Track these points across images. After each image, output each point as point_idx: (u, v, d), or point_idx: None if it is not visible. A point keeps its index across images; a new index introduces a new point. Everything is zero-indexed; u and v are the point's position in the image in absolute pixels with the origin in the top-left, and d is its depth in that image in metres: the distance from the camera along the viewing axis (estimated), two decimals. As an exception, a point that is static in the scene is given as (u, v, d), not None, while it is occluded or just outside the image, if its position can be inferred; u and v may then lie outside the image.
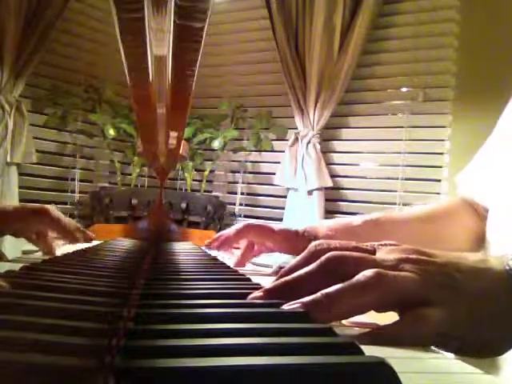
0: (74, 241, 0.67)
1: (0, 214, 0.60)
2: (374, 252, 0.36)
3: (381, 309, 0.32)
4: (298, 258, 0.37)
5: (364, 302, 0.31)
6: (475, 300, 0.31)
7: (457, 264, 0.33)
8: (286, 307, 0.31)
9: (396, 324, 0.31)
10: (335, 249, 0.36)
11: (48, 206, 0.63)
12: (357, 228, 0.63)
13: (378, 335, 0.31)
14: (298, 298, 0.32)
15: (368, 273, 0.31)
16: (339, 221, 0.66)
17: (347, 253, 0.34)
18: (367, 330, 0.33)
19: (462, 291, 0.31)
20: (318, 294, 0.31)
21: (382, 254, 0.35)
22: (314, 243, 0.37)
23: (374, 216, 0.65)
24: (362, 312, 0.32)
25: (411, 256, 0.33)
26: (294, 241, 0.64)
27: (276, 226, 0.66)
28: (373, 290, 0.31)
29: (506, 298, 0.31)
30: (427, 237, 0.66)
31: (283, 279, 0.35)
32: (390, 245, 0.37)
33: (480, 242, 0.65)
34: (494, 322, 0.32)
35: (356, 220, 0.64)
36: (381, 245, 0.37)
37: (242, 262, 0.67)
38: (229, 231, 0.68)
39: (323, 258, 0.34)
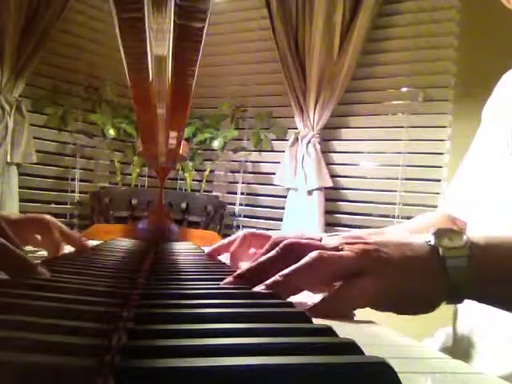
0: (79, 248, 0.66)
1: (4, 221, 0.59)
2: (320, 240, 0.45)
3: (328, 282, 0.41)
4: (263, 250, 0.46)
5: (313, 278, 0.39)
6: (401, 266, 0.39)
7: (384, 242, 0.40)
8: (255, 289, 0.39)
9: (334, 293, 0.39)
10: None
11: (47, 217, 0.63)
12: None
13: (320, 305, 0.39)
14: (265, 279, 0.40)
15: (312, 254, 0.39)
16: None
17: (299, 240, 0.43)
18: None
19: (389, 261, 0.39)
20: (277, 276, 0.39)
21: (326, 240, 0.44)
22: (273, 237, 0.47)
23: (367, 232, 0.69)
24: (315, 285, 0.41)
25: (348, 240, 0.42)
26: None
27: (273, 233, 0.67)
28: (317, 267, 0.39)
29: (427, 262, 0.39)
30: None
31: (250, 265, 0.43)
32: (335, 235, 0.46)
33: None
34: (420, 281, 0.39)
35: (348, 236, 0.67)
36: (327, 236, 0.47)
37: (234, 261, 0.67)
38: (224, 241, 0.68)
39: (281, 244, 0.43)
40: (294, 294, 0.40)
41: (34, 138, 2.11)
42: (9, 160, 1.98)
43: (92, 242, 0.81)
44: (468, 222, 0.69)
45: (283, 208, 2.19)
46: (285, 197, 2.20)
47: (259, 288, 0.39)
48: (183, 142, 0.75)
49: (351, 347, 0.23)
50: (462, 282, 0.38)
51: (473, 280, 0.39)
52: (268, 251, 0.44)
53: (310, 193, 2.09)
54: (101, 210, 2.02)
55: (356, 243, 0.41)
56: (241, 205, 2.40)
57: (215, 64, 2.44)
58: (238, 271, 0.43)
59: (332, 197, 2.17)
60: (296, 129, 2.17)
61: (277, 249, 0.43)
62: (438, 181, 1.98)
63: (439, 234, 0.40)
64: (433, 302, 0.40)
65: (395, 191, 2.05)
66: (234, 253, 0.64)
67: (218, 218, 2.14)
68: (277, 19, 2.15)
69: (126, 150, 2.32)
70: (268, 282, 0.39)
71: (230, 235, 0.69)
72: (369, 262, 0.38)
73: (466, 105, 1.87)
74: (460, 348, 0.61)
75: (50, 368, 0.17)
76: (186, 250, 0.81)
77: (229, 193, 2.44)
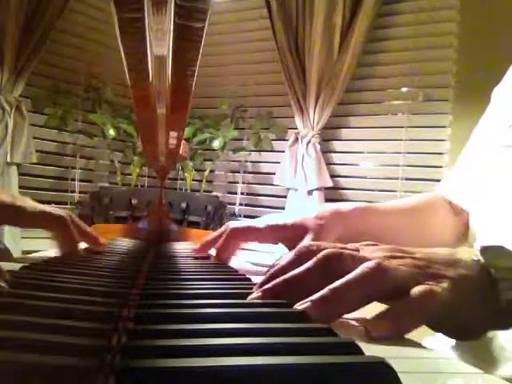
0: (97, 246, 0.66)
1: (17, 213, 0.58)
2: (358, 251, 0.37)
3: (380, 299, 0.34)
4: (289, 257, 0.38)
5: (368, 293, 0.33)
6: (453, 286, 0.34)
7: (432, 258, 0.36)
8: (296, 307, 0.31)
9: (405, 300, 0.32)
10: (325, 249, 0.36)
11: (66, 216, 0.61)
12: (345, 214, 0.63)
13: (379, 324, 0.32)
14: (298, 296, 0.32)
15: (369, 264, 0.33)
16: (327, 208, 0.65)
17: (342, 250, 0.36)
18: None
19: (444, 278, 0.34)
20: (326, 290, 0.32)
21: (368, 253, 0.37)
22: (303, 244, 0.39)
23: (362, 204, 0.66)
24: (367, 303, 0.33)
25: (395, 253, 0.36)
26: (282, 233, 0.63)
27: (261, 222, 0.65)
28: (375, 279, 0.32)
29: (477, 284, 0.34)
30: (408, 228, 0.67)
31: (282, 278, 0.35)
32: (372, 245, 0.39)
33: (455, 236, 0.68)
34: (471, 303, 0.34)
35: (344, 206, 0.64)
36: (362, 245, 0.39)
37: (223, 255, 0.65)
38: (212, 235, 0.67)
39: (320, 255, 0.35)
40: (346, 312, 0.33)
41: (34, 138, 2.11)
42: (9, 160, 1.98)
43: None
44: (471, 212, 0.67)
45: (283, 208, 2.19)
46: (285, 197, 2.20)
47: (304, 305, 0.31)
48: (183, 142, 0.75)
49: (351, 347, 0.23)
50: None
51: None
52: (297, 259, 0.37)
53: (309, 193, 2.09)
54: (101, 210, 2.02)
55: (404, 257, 0.36)
56: (241, 205, 2.39)
57: (215, 64, 2.44)
58: (267, 285, 0.35)
59: (332, 197, 2.17)
60: (296, 129, 2.17)
61: (315, 259, 0.35)
62: (438, 181, 1.98)
63: (489, 252, 0.36)
64: (479, 328, 0.35)
65: (395, 191, 2.05)
66: (220, 249, 0.62)
67: (217, 218, 2.14)
68: (277, 19, 2.15)
69: (126, 150, 2.32)
70: (314, 297, 0.31)
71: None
72: (425, 278, 0.34)
73: (466, 105, 1.87)
74: (467, 347, 0.60)
75: (50, 368, 0.17)
76: (185, 250, 0.81)
77: (229, 193, 2.44)
